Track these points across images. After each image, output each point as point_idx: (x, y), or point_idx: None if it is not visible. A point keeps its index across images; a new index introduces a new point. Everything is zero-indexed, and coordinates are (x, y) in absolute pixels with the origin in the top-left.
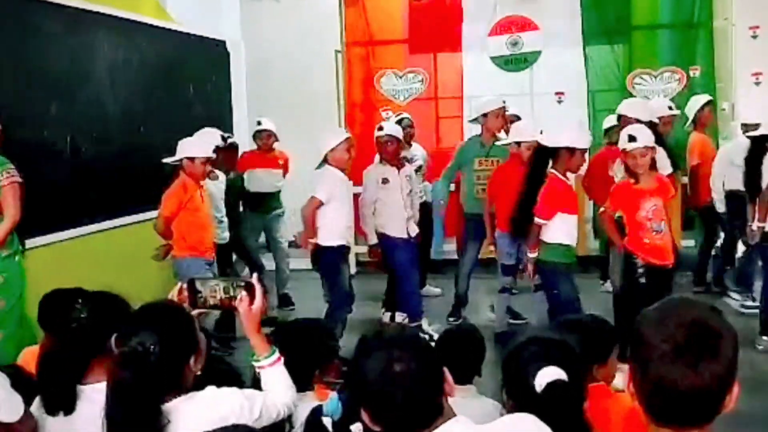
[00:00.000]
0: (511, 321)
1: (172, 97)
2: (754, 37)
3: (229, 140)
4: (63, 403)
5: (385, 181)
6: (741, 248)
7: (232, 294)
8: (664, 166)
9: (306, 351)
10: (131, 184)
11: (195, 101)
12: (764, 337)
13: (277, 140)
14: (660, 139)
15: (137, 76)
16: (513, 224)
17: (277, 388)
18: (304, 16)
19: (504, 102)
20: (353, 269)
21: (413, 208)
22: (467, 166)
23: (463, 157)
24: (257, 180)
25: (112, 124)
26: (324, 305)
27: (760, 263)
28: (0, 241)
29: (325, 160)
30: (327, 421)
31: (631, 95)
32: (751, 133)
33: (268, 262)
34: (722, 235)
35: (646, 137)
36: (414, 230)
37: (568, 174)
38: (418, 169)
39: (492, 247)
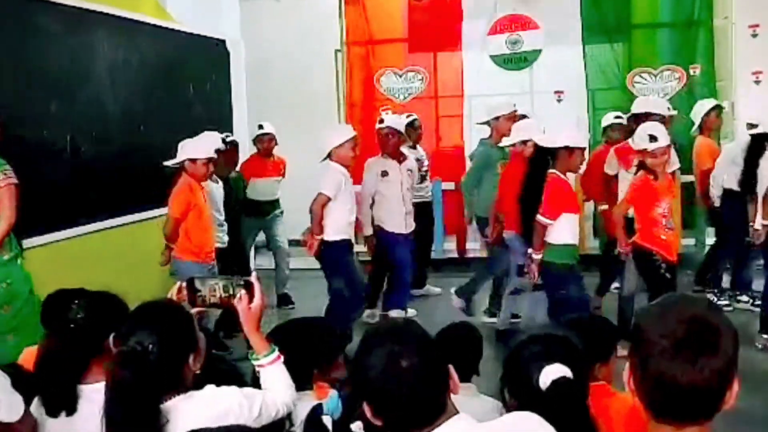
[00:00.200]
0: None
1: (171, 97)
2: (754, 35)
3: (229, 138)
4: (64, 403)
5: (384, 173)
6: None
7: (231, 293)
8: (674, 161)
9: (305, 350)
10: (131, 183)
11: (195, 101)
12: (764, 335)
13: (276, 144)
14: None
15: (137, 75)
16: (524, 228)
17: (276, 387)
18: (304, 15)
19: (515, 105)
20: None
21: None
22: (489, 170)
23: (485, 162)
24: (257, 190)
25: (112, 123)
26: (324, 305)
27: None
28: None
29: (328, 156)
30: (327, 420)
31: (631, 94)
32: (753, 131)
33: (269, 261)
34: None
35: (665, 136)
36: (412, 225)
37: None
38: (425, 174)
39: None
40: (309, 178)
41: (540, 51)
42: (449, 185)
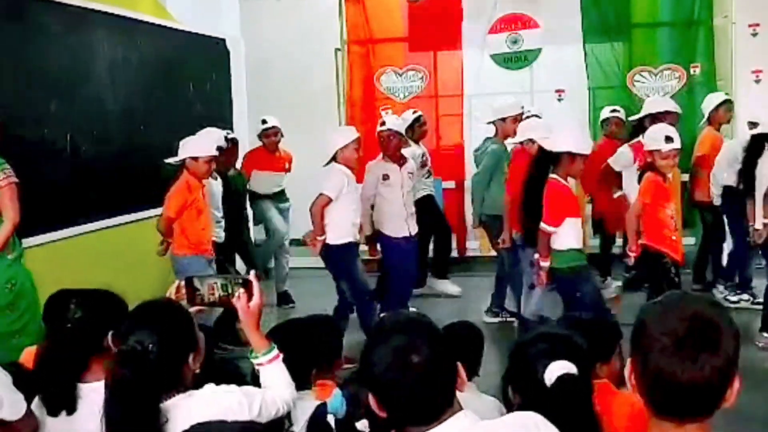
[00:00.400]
0: (509, 319)
1: (171, 96)
2: (754, 35)
3: (229, 136)
4: (64, 402)
5: (385, 177)
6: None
7: (230, 291)
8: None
9: (304, 350)
10: (131, 183)
11: (195, 100)
12: (765, 334)
13: (282, 136)
14: None
15: (137, 74)
16: (526, 234)
17: (276, 385)
18: (304, 14)
19: (523, 107)
20: None
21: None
22: (499, 169)
23: (496, 161)
24: (260, 182)
25: (112, 123)
26: (324, 304)
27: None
28: (1, 245)
29: (333, 158)
30: (330, 419)
31: (631, 93)
32: (754, 131)
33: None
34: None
35: (678, 138)
36: (415, 228)
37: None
38: (429, 173)
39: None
40: (309, 177)
41: (540, 50)
42: (449, 184)
